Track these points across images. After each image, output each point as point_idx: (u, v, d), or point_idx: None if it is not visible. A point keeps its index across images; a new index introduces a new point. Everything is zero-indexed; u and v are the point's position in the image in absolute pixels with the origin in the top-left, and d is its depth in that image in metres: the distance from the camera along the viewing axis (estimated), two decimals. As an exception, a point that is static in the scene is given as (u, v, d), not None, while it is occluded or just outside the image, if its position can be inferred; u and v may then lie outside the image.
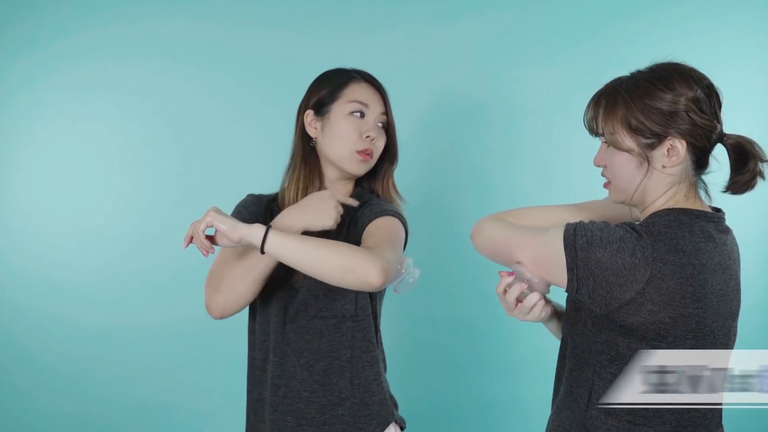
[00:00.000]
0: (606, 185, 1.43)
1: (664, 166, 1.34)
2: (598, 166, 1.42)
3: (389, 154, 1.73)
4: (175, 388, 2.59)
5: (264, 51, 2.56)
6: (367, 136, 1.65)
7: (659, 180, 1.36)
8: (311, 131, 1.69)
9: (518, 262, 1.39)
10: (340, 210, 1.56)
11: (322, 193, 1.57)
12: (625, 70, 2.56)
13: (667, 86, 1.33)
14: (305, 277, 1.61)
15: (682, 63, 1.39)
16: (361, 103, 1.65)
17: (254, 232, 1.41)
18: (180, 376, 2.59)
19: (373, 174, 1.74)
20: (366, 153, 1.64)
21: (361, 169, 1.67)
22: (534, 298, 1.39)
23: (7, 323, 2.59)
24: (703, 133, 1.33)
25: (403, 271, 1.50)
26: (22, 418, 2.59)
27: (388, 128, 1.71)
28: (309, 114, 1.69)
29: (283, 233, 1.43)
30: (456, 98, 2.57)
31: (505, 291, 1.40)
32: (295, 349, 1.63)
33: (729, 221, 1.44)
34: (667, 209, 1.35)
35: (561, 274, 1.31)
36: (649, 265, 1.26)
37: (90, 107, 2.58)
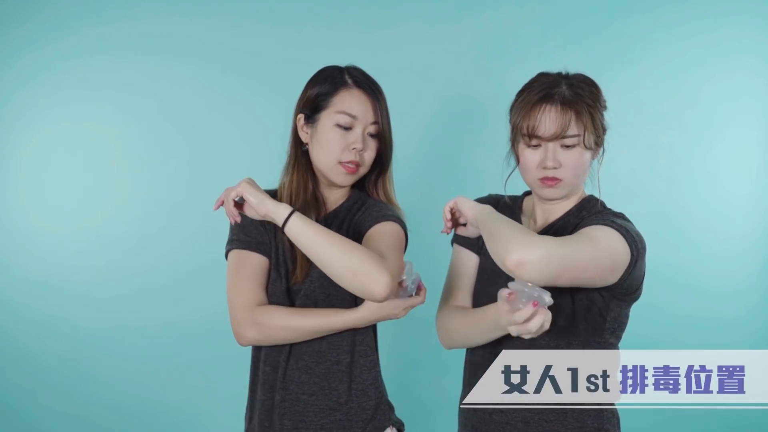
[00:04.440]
0: (553, 183, 1.51)
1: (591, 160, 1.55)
2: (554, 167, 1.49)
3: (380, 163, 1.69)
4: (175, 388, 2.59)
5: (264, 50, 2.56)
6: (354, 148, 1.61)
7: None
8: (303, 136, 1.67)
9: (511, 283, 1.34)
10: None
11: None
12: (624, 69, 2.59)
13: (600, 91, 1.53)
14: (302, 278, 1.62)
15: None
16: (349, 114, 1.61)
17: (279, 210, 1.48)
18: (180, 377, 2.59)
19: (367, 181, 1.72)
20: (351, 165, 1.62)
21: (346, 180, 1.65)
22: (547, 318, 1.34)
23: (7, 323, 2.59)
24: None
25: (404, 277, 1.54)
26: (22, 417, 2.59)
27: (381, 136, 1.65)
28: (300, 118, 1.67)
29: (306, 219, 1.48)
30: (456, 98, 2.57)
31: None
32: (294, 351, 1.63)
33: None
34: (589, 196, 1.58)
35: (620, 269, 1.40)
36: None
37: (90, 107, 2.58)
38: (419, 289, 1.61)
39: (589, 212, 1.55)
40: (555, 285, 1.35)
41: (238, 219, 1.55)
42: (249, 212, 1.54)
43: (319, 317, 1.58)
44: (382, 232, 1.58)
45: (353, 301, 1.62)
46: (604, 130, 1.54)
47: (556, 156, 1.49)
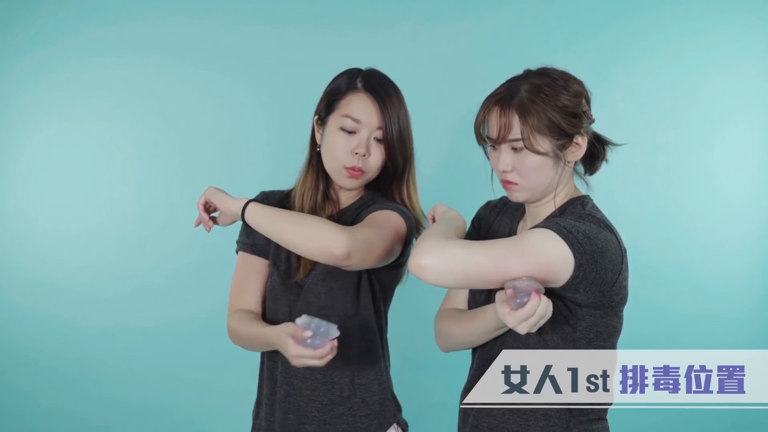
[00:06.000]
0: (509, 186, 1.45)
1: (568, 162, 1.44)
2: (505, 171, 1.44)
3: (390, 169, 1.65)
4: (175, 388, 2.59)
5: (264, 50, 2.56)
6: (356, 153, 1.59)
7: (565, 174, 1.46)
8: (317, 138, 1.68)
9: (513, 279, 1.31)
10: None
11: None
12: (625, 69, 2.59)
13: (567, 89, 1.42)
14: (305, 275, 1.62)
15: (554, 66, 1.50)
16: (353, 119, 1.60)
17: (237, 204, 1.56)
18: (180, 377, 2.59)
19: (383, 186, 1.70)
20: (354, 170, 1.60)
21: (352, 183, 1.63)
22: (548, 303, 1.32)
23: (7, 323, 2.59)
24: (590, 126, 1.47)
25: (300, 323, 1.41)
26: (22, 418, 2.59)
27: (388, 143, 1.61)
28: (315, 120, 1.68)
29: (262, 205, 1.55)
30: (457, 98, 2.57)
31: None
32: None
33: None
34: (578, 198, 1.48)
35: (562, 275, 1.31)
36: (620, 247, 1.39)
37: (90, 107, 2.58)
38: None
39: (566, 216, 1.46)
40: (469, 288, 1.39)
41: (211, 224, 1.64)
42: (221, 219, 1.64)
43: (250, 328, 1.60)
44: (373, 215, 1.58)
45: (356, 296, 1.62)
46: (572, 129, 1.41)
47: (507, 159, 1.43)
